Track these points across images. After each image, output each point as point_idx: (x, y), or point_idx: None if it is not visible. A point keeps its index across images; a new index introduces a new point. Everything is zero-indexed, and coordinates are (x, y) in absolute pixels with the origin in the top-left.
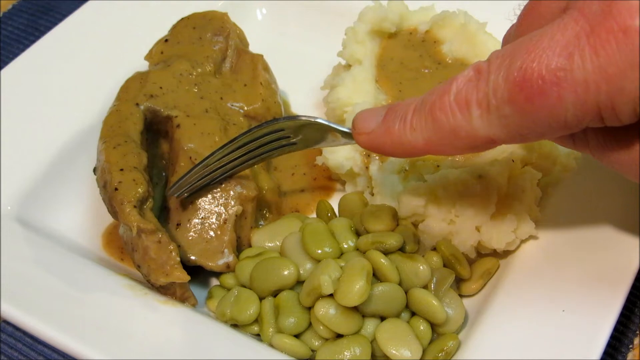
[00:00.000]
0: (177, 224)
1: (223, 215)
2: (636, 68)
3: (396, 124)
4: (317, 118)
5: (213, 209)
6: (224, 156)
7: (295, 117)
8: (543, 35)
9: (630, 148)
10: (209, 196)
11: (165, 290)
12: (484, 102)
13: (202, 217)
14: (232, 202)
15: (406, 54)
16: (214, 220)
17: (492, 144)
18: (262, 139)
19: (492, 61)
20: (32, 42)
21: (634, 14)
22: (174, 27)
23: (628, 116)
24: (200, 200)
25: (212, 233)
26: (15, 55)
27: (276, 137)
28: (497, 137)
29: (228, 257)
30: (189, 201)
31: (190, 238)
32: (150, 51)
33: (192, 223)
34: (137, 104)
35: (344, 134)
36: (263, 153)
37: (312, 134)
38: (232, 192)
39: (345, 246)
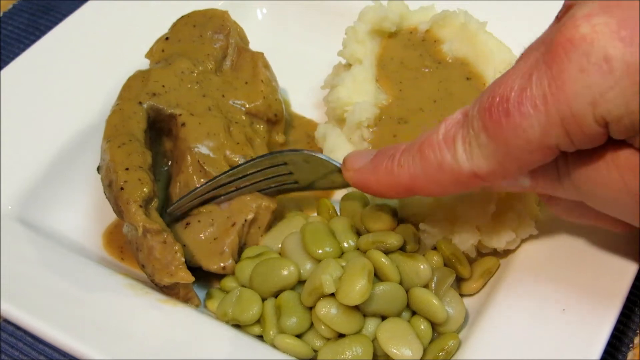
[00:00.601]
0: (187, 224)
1: (234, 220)
2: (586, 72)
3: (384, 162)
4: (318, 153)
5: (226, 214)
6: (223, 184)
7: (298, 150)
8: (512, 69)
9: (604, 169)
10: (227, 202)
11: (169, 290)
12: (466, 138)
13: (212, 220)
14: (248, 210)
15: (406, 53)
16: (223, 224)
17: (476, 179)
18: (264, 171)
19: (473, 102)
20: (33, 41)
21: (578, 22)
22: (174, 25)
23: (590, 128)
24: (217, 204)
25: (217, 235)
26: (15, 55)
27: (277, 172)
28: (480, 169)
29: (226, 260)
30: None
31: (195, 238)
32: (151, 49)
33: (202, 224)
34: (140, 103)
35: (336, 169)
36: (264, 187)
37: (312, 170)
38: (251, 201)
39: (346, 245)
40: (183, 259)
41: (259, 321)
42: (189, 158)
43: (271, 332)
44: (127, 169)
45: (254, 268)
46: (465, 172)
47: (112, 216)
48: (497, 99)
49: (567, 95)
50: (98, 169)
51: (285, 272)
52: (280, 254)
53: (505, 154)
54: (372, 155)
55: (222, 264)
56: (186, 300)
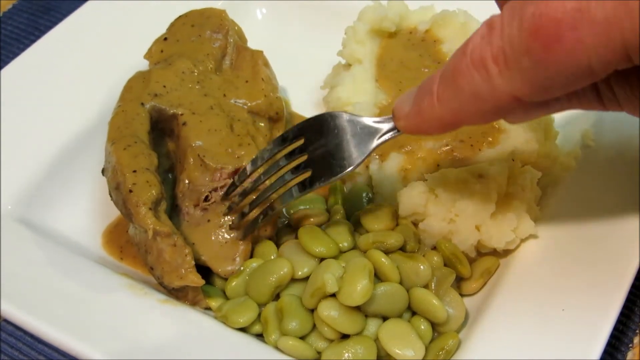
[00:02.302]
0: (197, 223)
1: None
2: None
3: (424, 99)
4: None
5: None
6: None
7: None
8: None
9: None
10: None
11: (177, 292)
12: (500, 58)
13: (224, 222)
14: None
15: (406, 53)
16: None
17: (518, 103)
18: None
19: (505, 13)
20: (32, 41)
21: None
22: (172, 25)
23: None
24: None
25: (228, 238)
26: (15, 55)
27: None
28: (521, 92)
29: (237, 266)
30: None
31: (204, 238)
32: (150, 50)
33: (213, 225)
34: (142, 104)
35: (386, 130)
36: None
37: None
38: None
39: (346, 244)
40: (193, 262)
41: (260, 322)
42: (190, 153)
43: (273, 336)
44: (134, 171)
45: (249, 278)
46: (505, 97)
47: (111, 216)
48: (545, 19)
49: (637, 23)
50: (103, 171)
51: (280, 271)
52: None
53: (552, 79)
54: (414, 94)
55: (230, 268)
56: (194, 303)
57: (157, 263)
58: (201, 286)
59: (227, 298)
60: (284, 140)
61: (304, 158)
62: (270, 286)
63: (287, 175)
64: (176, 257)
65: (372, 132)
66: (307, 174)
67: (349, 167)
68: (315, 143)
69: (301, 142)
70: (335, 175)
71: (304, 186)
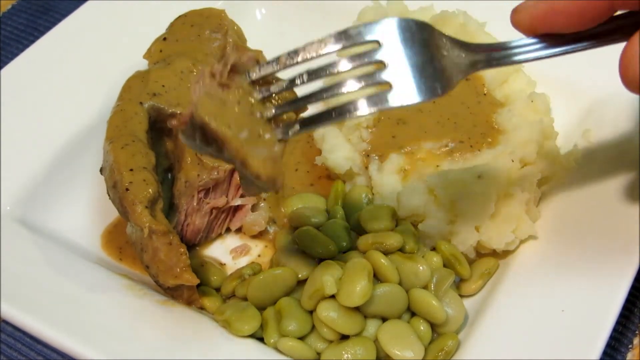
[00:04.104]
0: None
1: None
2: None
3: None
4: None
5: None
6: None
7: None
8: None
9: None
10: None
11: (173, 291)
12: None
13: None
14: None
15: None
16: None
17: None
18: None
19: None
20: (32, 42)
21: None
22: (172, 24)
23: None
24: None
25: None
26: (15, 55)
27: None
28: None
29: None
30: None
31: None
32: (149, 49)
33: None
34: (141, 103)
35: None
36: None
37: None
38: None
39: (345, 245)
40: (189, 261)
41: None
42: (187, 152)
43: (272, 339)
44: (131, 169)
45: (249, 287)
46: None
47: (110, 217)
48: None
49: None
50: (101, 170)
51: (285, 283)
52: (274, 264)
53: None
54: None
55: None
56: (189, 302)
57: (153, 262)
58: (196, 285)
59: (222, 297)
60: (348, 36)
61: (380, 66)
62: (273, 297)
63: (352, 82)
64: (171, 256)
65: (467, 54)
66: (385, 87)
67: (440, 91)
68: (395, 52)
69: (376, 45)
70: (423, 98)
71: (376, 102)
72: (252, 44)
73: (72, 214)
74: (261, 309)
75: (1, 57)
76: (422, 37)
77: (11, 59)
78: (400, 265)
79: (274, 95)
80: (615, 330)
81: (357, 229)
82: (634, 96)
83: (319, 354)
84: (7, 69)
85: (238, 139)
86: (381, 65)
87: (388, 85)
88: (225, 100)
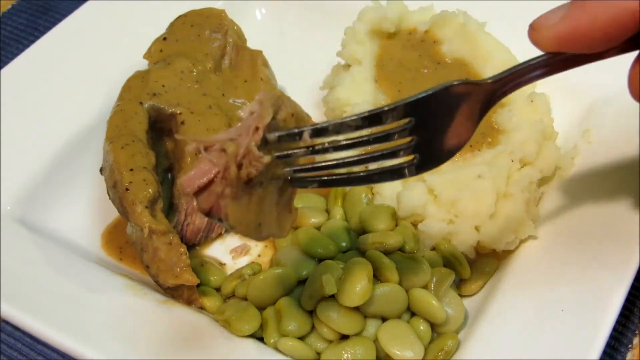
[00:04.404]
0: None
1: None
2: None
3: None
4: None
5: None
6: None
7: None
8: None
9: None
10: None
11: (173, 291)
12: None
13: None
14: None
15: (405, 54)
16: None
17: None
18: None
19: None
20: (32, 42)
21: None
22: (172, 24)
23: None
24: None
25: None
26: (14, 55)
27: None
28: None
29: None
30: None
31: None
32: (149, 49)
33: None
34: (141, 103)
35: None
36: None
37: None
38: None
39: (345, 245)
40: (189, 261)
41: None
42: (187, 152)
43: (272, 339)
44: (131, 169)
45: (249, 287)
46: None
47: (111, 216)
48: None
49: None
50: (101, 170)
51: (285, 284)
52: (274, 264)
53: None
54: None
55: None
56: (189, 302)
57: (153, 261)
58: (196, 285)
59: (222, 297)
60: (376, 119)
61: (407, 139)
62: (273, 297)
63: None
64: (171, 255)
65: (482, 93)
66: (410, 158)
67: (458, 147)
68: (423, 126)
69: (405, 122)
70: (443, 160)
71: (393, 173)
72: (252, 44)
73: (72, 214)
74: (261, 308)
75: (1, 57)
76: (454, 101)
77: (11, 59)
78: (401, 265)
79: (292, 157)
80: (615, 330)
81: (357, 229)
82: None
83: (319, 353)
84: (7, 69)
85: (266, 227)
86: (409, 139)
87: (412, 157)
88: (251, 192)
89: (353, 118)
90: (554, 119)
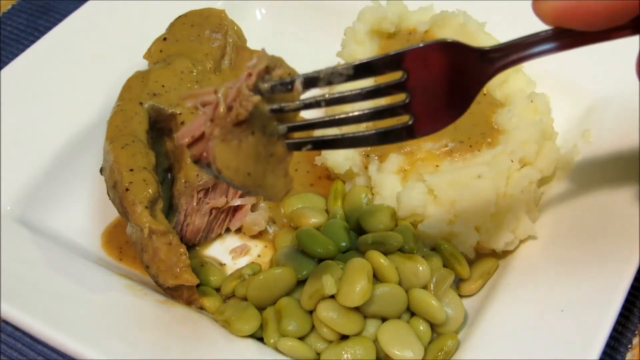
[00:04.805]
0: None
1: None
2: None
3: None
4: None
5: None
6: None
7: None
8: None
9: None
10: None
11: (173, 291)
12: None
13: None
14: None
15: None
16: None
17: None
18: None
19: None
20: (32, 42)
21: None
22: (172, 25)
23: None
24: None
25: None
26: (14, 55)
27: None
28: None
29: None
30: None
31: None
32: (149, 50)
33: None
34: (141, 103)
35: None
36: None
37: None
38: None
39: (345, 245)
40: (188, 261)
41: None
42: (187, 152)
43: (272, 339)
44: (131, 170)
45: (249, 287)
46: None
47: (111, 217)
48: None
49: None
50: (101, 170)
51: (285, 284)
52: (274, 264)
53: None
54: None
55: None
56: (189, 302)
57: (153, 262)
58: (196, 285)
59: (222, 297)
60: (368, 68)
61: (402, 96)
62: (273, 297)
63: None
64: (171, 255)
65: (485, 63)
66: (404, 119)
67: (458, 113)
68: (418, 81)
69: (398, 75)
70: (442, 126)
71: (395, 137)
72: (252, 44)
73: (72, 214)
74: (261, 309)
75: (1, 57)
76: (447, 61)
77: (11, 59)
78: (400, 265)
79: (286, 112)
80: (614, 330)
81: (357, 229)
82: (634, 96)
83: (318, 354)
84: (7, 69)
85: (257, 178)
86: (403, 96)
87: (407, 118)
88: (241, 138)
89: (344, 66)
90: (554, 119)
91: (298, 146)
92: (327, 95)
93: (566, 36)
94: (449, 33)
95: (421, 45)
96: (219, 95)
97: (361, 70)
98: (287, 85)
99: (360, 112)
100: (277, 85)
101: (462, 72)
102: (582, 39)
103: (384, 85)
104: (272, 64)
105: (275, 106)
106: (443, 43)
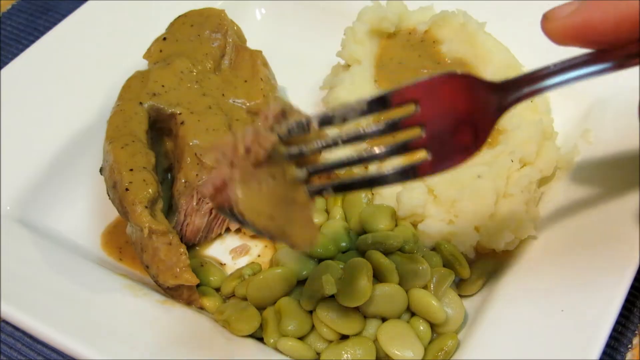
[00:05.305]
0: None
1: None
2: None
3: None
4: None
5: None
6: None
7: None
8: None
9: None
10: None
11: (173, 291)
12: None
13: None
14: None
15: (405, 54)
16: None
17: None
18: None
19: None
20: (32, 42)
21: None
22: (172, 24)
23: None
24: None
25: None
26: (14, 55)
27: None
28: None
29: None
30: None
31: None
32: (149, 50)
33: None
34: (141, 103)
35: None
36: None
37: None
38: None
39: (345, 245)
40: (188, 261)
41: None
42: (187, 152)
43: (272, 339)
44: (131, 169)
45: (249, 287)
46: None
47: (110, 217)
48: None
49: None
50: (101, 170)
51: (285, 283)
52: (274, 264)
53: None
54: None
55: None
56: (189, 302)
57: (153, 262)
58: (196, 285)
59: (222, 297)
60: (381, 102)
61: (417, 131)
62: (273, 297)
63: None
64: (171, 255)
65: (498, 96)
66: (421, 154)
67: (475, 150)
68: (432, 114)
69: (411, 108)
70: (458, 163)
71: (413, 174)
72: (252, 44)
73: (72, 214)
74: (261, 308)
75: (1, 57)
76: (459, 93)
77: (11, 59)
78: (400, 265)
79: (304, 156)
80: (614, 330)
81: (357, 229)
82: (634, 96)
83: (318, 354)
84: (7, 69)
85: (279, 222)
86: (418, 131)
87: (424, 155)
88: (260, 179)
89: (357, 102)
90: (554, 119)
91: (319, 191)
92: (343, 135)
93: (577, 67)
94: (449, 33)
95: (433, 76)
96: (237, 137)
97: (374, 104)
98: (303, 126)
99: (378, 151)
100: (293, 127)
101: (476, 103)
102: (592, 71)
103: (397, 119)
104: (288, 108)
105: (294, 150)
106: (454, 74)
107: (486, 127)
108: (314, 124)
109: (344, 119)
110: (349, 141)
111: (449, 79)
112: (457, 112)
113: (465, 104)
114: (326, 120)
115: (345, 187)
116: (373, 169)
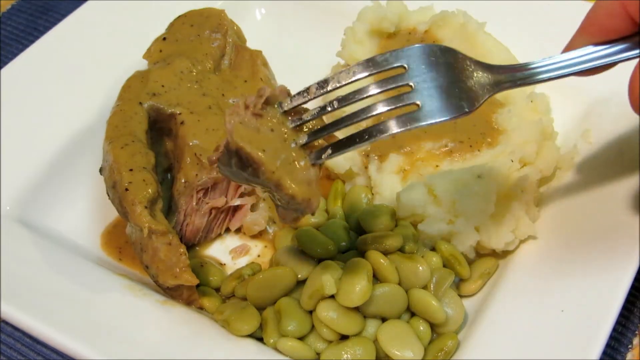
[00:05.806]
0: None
1: None
2: None
3: None
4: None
5: None
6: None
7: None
8: None
9: None
10: None
11: (172, 291)
12: None
13: None
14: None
15: None
16: None
17: None
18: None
19: None
20: (32, 42)
21: None
22: (172, 25)
23: None
24: None
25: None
26: (14, 55)
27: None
28: None
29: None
30: None
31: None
32: (149, 50)
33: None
34: (141, 103)
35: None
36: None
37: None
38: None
39: (345, 245)
40: (188, 261)
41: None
42: (187, 152)
43: (271, 339)
44: (131, 169)
45: (249, 286)
46: None
47: (110, 217)
48: None
49: None
50: (100, 170)
51: (284, 283)
52: (274, 264)
53: None
54: None
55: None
56: (189, 302)
57: (152, 262)
58: (196, 285)
59: (222, 297)
60: (375, 63)
61: (407, 88)
62: (273, 297)
63: (380, 105)
64: (171, 256)
65: (492, 74)
66: (414, 107)
67: (467, 108)
68: (421, 75)
69: (402, 70)
70: (451, 115)
71: (406, 121)
72: (252, 44)
73: (72, 214)
74: (261, 308)
75: (1, 57)
76: (446, 61)
77: (11, 59)
78: (400, 265)
79: (305, 123)
80: (615, 330)
81: (357, 229)
82: None
83: (318, 354)
84: (7, 69)
85: (273, 161)
86: (408, 88)
87: (416, 106)
88: (259, 128)
89: (350, 65)
90: (554, 119)
91: (319, 155)
92: (340, 97)
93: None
94: (449, 33)
95: (415, 46)
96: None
97: (367, 65)
98: (303, 93)
99: (371, 106)
100: (295, 96)
101: (464, 76)
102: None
103: (388, 77)
104: (279, 92)
105: (295, 120)
106: (439, 46)
107: (479, 95)
108: (313, 88)
109: (339, 81)
110: (346, 102)
111: (429, 50)
112: (445, 77)
113: (453, 71)
114: (323, 83)
115: (343, 145)
116: None
